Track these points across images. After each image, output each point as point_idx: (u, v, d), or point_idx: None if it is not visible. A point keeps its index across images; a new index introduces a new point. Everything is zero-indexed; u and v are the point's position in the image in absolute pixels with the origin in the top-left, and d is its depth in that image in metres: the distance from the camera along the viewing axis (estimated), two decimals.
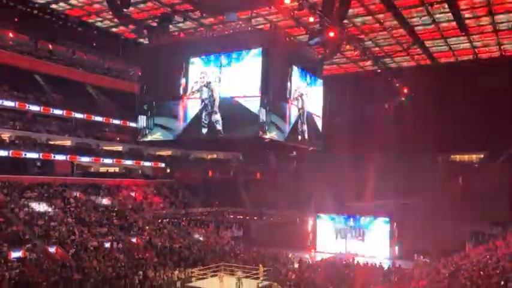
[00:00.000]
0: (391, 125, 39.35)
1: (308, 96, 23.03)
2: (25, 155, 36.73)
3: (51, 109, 40.63)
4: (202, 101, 21.13)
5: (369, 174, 37.97)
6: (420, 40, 26.27)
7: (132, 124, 42.77)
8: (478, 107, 39.41)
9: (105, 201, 38.88)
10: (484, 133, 39.41)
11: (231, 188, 48.40)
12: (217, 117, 20.76)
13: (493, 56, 28.43)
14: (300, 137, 22.75)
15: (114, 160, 44.99)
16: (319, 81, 24.36)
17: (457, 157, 46.56)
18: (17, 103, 37.82)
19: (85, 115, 43.14)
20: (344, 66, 31.78)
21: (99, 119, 44.22)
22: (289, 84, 21.17)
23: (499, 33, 24.79)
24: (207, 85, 21.14)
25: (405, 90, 31.52)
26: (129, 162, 46.49)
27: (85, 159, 41.97)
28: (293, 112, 21.76)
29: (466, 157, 46.29)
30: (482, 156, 44.67)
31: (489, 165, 41.23)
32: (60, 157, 39.27)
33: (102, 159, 43.50)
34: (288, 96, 21.07)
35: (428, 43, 26.93)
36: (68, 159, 40.07)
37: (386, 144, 39.63)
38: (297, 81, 22.11)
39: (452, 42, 26.72)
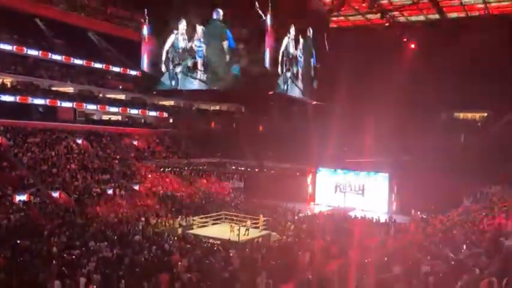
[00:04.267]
0: (395, 80, 38.87)
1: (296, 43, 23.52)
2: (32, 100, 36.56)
3: (50, 54, 39.71)
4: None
5: (371, 130, 37.82)
6: None
7: (134, 72, 42.58)
8: (486, 65, 38.59)
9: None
10: (489, 92, 38.83)
11: (233, 139, 48.47)
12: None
13: (505, 11, 27.70)
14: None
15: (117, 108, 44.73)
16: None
17: (461, 115, 46.26)
18: (15, 47, 36.83)
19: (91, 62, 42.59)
20: (351, 19, 31.10)
21: (101, 66, 43.55)
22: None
23: None
24: None
25: (412, 46, 30.96)
26: (132, 111, 46.27)
27: (87, 107, 41.67)
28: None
29: (469, 115, 45.98)
30: (485, 115, 44.36)
31: (492, 124, 41.01)
32: (63, 104, 39.07)
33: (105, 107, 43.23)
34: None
35: None
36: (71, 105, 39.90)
37: (390, 100, 39.29)
38: None
39: None
